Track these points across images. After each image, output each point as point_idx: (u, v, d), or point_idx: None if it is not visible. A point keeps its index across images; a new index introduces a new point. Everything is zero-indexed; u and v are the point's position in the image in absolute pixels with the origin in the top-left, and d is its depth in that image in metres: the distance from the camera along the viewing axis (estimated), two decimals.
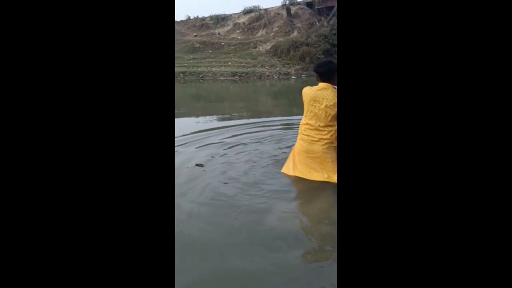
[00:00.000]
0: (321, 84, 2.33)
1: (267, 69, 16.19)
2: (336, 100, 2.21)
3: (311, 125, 2.34)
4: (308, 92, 2.35)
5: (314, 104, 2.31)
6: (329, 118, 2.29)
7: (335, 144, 2.29)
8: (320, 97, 2.29)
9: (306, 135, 2.37)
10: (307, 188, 2.34)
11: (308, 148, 2.35)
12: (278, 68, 16.13)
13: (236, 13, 22.71)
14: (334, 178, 2.23)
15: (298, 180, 2.43)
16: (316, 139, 2.32)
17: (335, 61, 2.18)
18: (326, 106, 2.26)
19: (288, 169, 2.52)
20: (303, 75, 14.98)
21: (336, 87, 2.31)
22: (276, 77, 15.15)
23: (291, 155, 2.56)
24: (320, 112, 2.29)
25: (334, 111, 2.24)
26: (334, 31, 15.80)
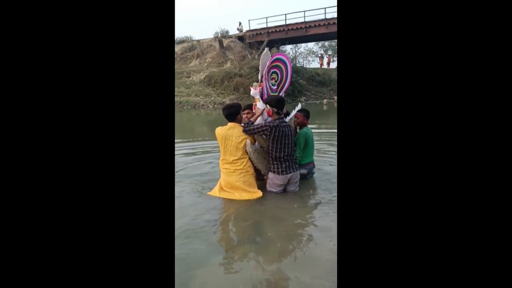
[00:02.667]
0: (230, 124, 2.79)
1: (201, 98, 16.12)
2: (244, 136, 2.73)
3: (226, 159, 2.80)
4: (220, 132, 2.77)
5: (226, 142, 2.75)
6: (240, 152, 2.74)
7: (250, 172, 2.80)
8: (230, 135, 2.74)
9: (224, 168, 2.81)
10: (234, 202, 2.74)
11: (227, 179, 2.79)
12: (213, 98, 16.19)
13: None
14: (253, 196, 2.74)
15: (225, 199, 2.79)
16: (231, 171, 2.77)
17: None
18: (236, 142, 2.73)
19: (215, 192, 2.88)
20: (235, 102, 15.22)
21: (242, 125, 2.80)
22: (211, 107, 15.14)
23: (218, 183, 2.92)
24: (232, 148, 2.74)
25: (242, 145, 2.73)
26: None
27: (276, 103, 2.74)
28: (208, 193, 2.88)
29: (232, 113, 2.78)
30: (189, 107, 14.97)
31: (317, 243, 2.03)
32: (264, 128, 2.68)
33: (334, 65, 24.76)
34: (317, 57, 23.51)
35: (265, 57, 3.02)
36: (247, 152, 2.78)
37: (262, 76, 3.02)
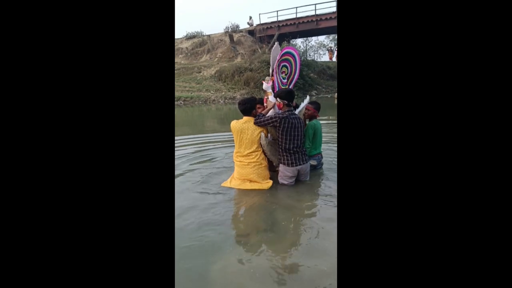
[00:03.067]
0: (245, 118, 2.89)
1: (212, 93, 16.20)
2: (259, 129, 2.83)
3: (240, 152, 2.88)
4: (235, 125, 2.86)
5: (241, 135, 2.85)
6: (255, 145, 2.85)
7: (264, 164, 2.90)
8: (245, 128, 2.84)
9: (237, 160, 2.91)
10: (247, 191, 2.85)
11: (241, 171, 2.88)
12: (223, 93, 16.25)
13: (179, 38, 22.68)
14: (264, 186, 2.85)
15: (237, 191, 2.88)
16: (245, 163, 2.86)
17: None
18: (251, 136, 2.83)
19: (227, 183, 2.98)
20: (248, 97, 15.23)
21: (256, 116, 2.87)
22: (222, 102, 15.21)
23: (231, 175, 3.03)
24: (247, 141, 2.84)
25: (257, 138, 2.84)
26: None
27: (286, 96, 2.82)
28: (222, 184, 2.97)
29: (247, 108, 2.88)
30: (200, 102, 15.08)
31: (331, 233, 2.05)
32: (274, 119, 2.74)
33: None
34: (327, 50, 23.13)
35: (275, 51, 3.07)
36: (261, 145, 2.87)
37: (273, 70, 3.07)
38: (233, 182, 2.93)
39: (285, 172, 2.88)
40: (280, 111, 2.86)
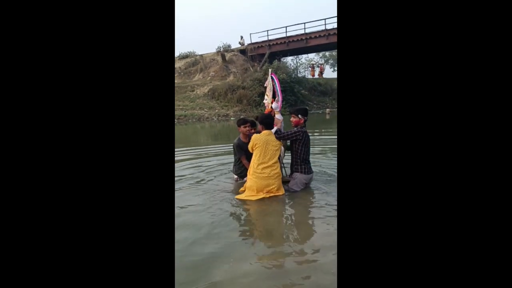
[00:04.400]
0: (266, 131, 3.16)
1: (206, 111, 16.39)
2: (279, 142, 3.15)
3: (266, 163, 3.08)
4: (260, 137, 3.11)
5: (267, 146, 3.09)
6: (277, 156, 3.12)
7: (281, 175, 3.17)
8: (270, 140, 3.12)
9: (261, 172, 3.07)
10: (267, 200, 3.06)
11: (263, 183, 3.05)
12: (217, 110, 16.45)
13: None
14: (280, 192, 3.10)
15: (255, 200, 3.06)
16: (269, 175, 3.06)
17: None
18: (275, 147, 3.12)
19: (242, 196, 3.11)
20: (241, 117, 15.46)
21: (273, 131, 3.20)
22: (215, 119, 15.36)
23: (249, 188, 3.13)
24: (272, 151, 3.10)
25: (278, 150, 3.13)
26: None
27: (305, 112, 3.35)
28: (236, 197, 3.12)
29: (270, 123, 3.19)
30: (194, 120, 15.21)
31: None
32: (297, 133, 3.17)
33: (331, 74, 24.90)
34: (309, 67, 23.40)
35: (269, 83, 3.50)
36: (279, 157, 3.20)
37: (273, 92, 3.43)
38: (246, 194, 3.10)
39: (302, 180, 3.25)
40: (299, 126, 3.25)
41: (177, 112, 15.83)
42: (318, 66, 24.89)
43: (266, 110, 3.47)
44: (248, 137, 3.36)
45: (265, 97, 3.51)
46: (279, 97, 3.43)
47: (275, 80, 3.47)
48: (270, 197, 3.03)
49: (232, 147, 3.68)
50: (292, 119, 3.29)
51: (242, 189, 3.25)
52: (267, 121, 3.18)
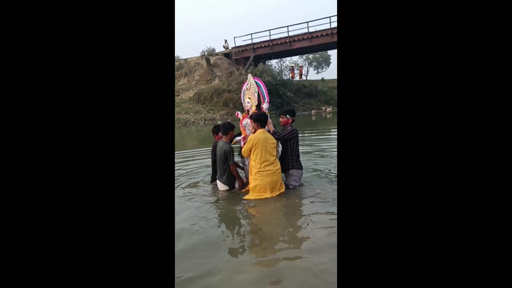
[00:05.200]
0: (261, 130, 3.18)
1: (192, 115, 16.26)
2: (274, 140, 3.19)
3: (268, 160, 3.11)
4: (259, 136, 3.11)
5: (266, 144, 3.11)
6: (275, 153, 3.19)
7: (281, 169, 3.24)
8: (268, 138, 3.15)
9: (265, 170, 3.11)
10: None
11: (269, 180, 3.11)
12: (203, 114, 16.35)
13: None
14: (276, 193, 3.15)
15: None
16: (273, 171, 3.13)
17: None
18: (273, 144, 3.16)
19: (250, 196, 3.18)
20: (228, 120, 15.46)
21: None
22: (202, 123, 15.26)
23: (256, 188, 3.16)
24: (271, 148, 3.15)
25: (275, 147, 3.19)
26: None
27: (293, 113, 3.49)
28: (244, 197, 3.18)
29: (265, 120, 3.23)
30: (180, 124, 15.06)
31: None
32: (292, 131, 3.33)
33: (315, 76, 25.13)
34: (289, 70, 23.52)
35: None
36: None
37: (258, 94, 3.52)
38: (254, 194, 3.14)
39: (298, 175, 3.43)
40: (287, 126, 3.39)
41: None
42: (298, 69, 25.12)
43: (243, 115, 3.58)
44: (231, 141, 3.43)
45: (247, 100, 3.56)
46: (267, 98, 3.51)
47: (260, 83, 3.56)
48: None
49: (214, 154, 3.51)
50: (281, 119, 3.41)
51: (244, 190, 3.31)
52: (263, 119, 3.20)
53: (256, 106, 3.45)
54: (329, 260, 1.80)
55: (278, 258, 1.95)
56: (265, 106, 3.42)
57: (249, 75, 3.61)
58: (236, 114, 3.87)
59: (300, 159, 3.45)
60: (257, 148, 3.09)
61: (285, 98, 18.55)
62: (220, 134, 3.47)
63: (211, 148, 3.79)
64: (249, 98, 3.52)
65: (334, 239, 1.89)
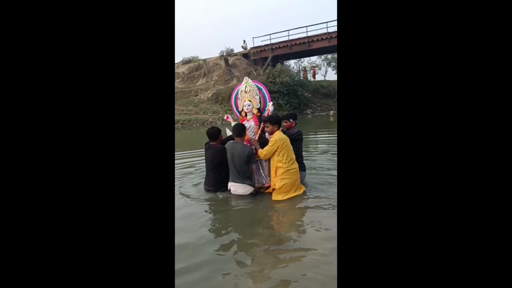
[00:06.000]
0: (279, 130, 3.26)
1: (209, 115, 16.44)
2: None
3: (292, 158, 3.21)
4: (281, 136, 3.19)
5: (288, 143, 3.20)
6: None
7: None
8: (287, 137, 3.26)
9: (292, 168, 3.18)
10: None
11: (295, 177, 3.21)
12: (220, 114, 16.49)
13: (175, 63, 23.20)
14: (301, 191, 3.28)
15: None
16: (296, 169, 3.23)
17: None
18: (289, 142, 3.25)
19: (278, 197, 3.20)
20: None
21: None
22: (219, 123, 15.41)
23: (282, 187, 3.19)
24: (291, 147, 3.24)
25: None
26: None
27: (296, 116, 3.70)
28: (274, 199, 3.19)
29: (280, 121, 3.29)
30: (198, 124, 15.26)
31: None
32: (299, 133, 3.52)
33: (333, 77, 24.68)
34: (302, 70, 23.14)
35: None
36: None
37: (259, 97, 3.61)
38: (281, 194, 3.16)
39: (303, 177, 3.51)
40: (291, 129, 3.53)
41: (181, 117, 15.90)
42: (311, 69, 24.81)
43: (241, 118, 3.64)
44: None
45: (247, 102, 3.56)
46: (269, 100, 3.65)
47: (261, 86, 3.68)
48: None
49: (217, 158, 3.38)
50: (284, 124, 3.51)
51: (269, 190, 3.28)
52: (279, 119, 3.28)
53: (258, 109, 3.53)
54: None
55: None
56: (271, 108, 3.52)
57: (246, 78, 3.67)
58: (226, 117, 3.96)
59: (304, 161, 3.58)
60: (284, 147, 3.12)
61: (303, 98, 18.42)
62: (233, 136, 3.42)
63: (204, 152, 3.63)
64: (250, 101, 3.57)
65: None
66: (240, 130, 3.35)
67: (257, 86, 3.57)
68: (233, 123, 3.60)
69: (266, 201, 3.13)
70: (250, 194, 3.27)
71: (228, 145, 3.32)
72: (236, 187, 3.28)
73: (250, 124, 3.51)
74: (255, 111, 3.52)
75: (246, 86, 3.57)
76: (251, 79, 3.66)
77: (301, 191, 3.23)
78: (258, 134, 3.38)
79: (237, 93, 3.69)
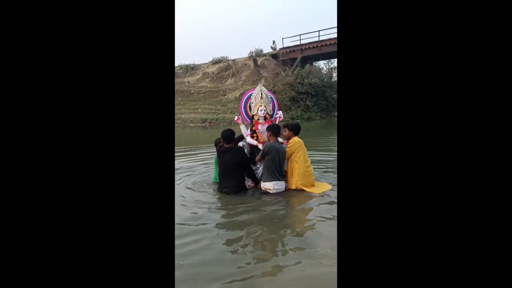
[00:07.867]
0: (296, 136, 3.54)
1: (237, 115, 16.60)
2: None
3: (308, 161, 3.47)
4: (299, 141, 3.46)
5: (304, 147, 3.45)
6: None
7: None
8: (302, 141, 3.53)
9: (308, 170, 3.45)
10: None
11: (309, 180, 3.46)
12: None
13: (205, 63, 23.67)
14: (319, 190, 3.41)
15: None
16: (311, 172, 3.52)
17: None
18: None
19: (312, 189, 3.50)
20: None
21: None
22: (245, 123, 15.51)
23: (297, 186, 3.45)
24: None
25: None
26: (298, 80, 16.91)
27: (298, 131, 3.69)
28: (308, 189, 3.39)
29: (298, 129, 3.56)
30: (225, 123, 15.46)
31: None
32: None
33: None
34: (329, 71, 22.45)
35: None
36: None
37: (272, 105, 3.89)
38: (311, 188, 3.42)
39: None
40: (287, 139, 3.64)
41: (208, 116, 16.20)
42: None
43: (255, 121, 3.80)
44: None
45: (263, 107, 3.75)
46: (277, 109, 4.00)
47: (272, 96, 3.93)
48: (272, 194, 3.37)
49: (228, 159, 3.44)
50: (284, 132, 3.59)
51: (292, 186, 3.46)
52: (298, 128, 3.59)
53: (270, 115, 3.83)
54: None
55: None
56: (281, 115, 3.92)
57: (260, 85, 3.91)
58: (237, 119, 4.04)
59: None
60: (301, 150, 3.41)
61: (331, 100, 18.07)
62: (269, 135, 3.54)
63: (215, 154, 3.73)
64: (265, 107, 3.80)
65: None
66: (277, 129, 3.53)
67: (267, 95, 3.88)
68: (241, 125, 3.91)
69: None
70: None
71: (270, 145, 3.41)
72: (279, 185, 3.43)
73: (264, 127, 3.70)
74: (268, 116, 3.80)
75: (262, 93, 3.79)
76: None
77: (328, 188, 3.39)
78: (268, 139, 3.59)
79: (247, 98, 3.94)
